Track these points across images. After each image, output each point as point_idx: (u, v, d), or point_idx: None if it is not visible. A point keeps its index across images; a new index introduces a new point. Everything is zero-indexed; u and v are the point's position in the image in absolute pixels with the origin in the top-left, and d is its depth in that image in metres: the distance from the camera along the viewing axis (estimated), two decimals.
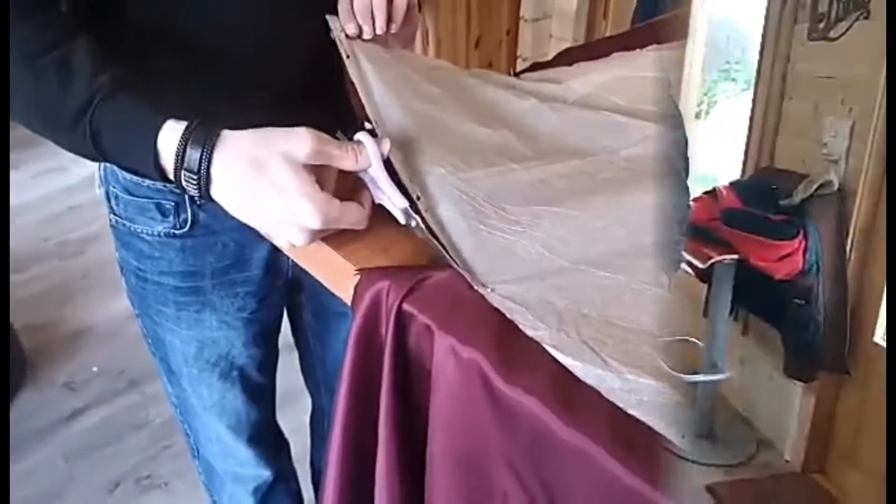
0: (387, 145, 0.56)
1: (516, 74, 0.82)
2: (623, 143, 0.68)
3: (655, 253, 0.55)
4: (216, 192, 0.53)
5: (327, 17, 0.65)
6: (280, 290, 0.85)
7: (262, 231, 0.55)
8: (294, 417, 1.10)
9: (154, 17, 0.63)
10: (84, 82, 0.53)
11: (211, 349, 0.84)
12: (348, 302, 0.56)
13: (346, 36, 0.64)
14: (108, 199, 0.78)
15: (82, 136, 0.53)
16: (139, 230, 0.76)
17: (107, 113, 0.53)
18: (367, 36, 0.65)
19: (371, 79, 0.62)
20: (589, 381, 0.44)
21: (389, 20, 0.65)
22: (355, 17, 0.64)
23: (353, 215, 0.54)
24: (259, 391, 0.91)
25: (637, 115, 0.73)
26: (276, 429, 1.01)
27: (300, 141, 0.51)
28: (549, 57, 0.88)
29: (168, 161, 0.53)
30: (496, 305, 0.49)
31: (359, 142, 0.55)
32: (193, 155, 0.52)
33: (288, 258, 0.79)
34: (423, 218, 0.55)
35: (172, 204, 0.74)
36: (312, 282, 0.81)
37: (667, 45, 0.88)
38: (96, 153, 0.54)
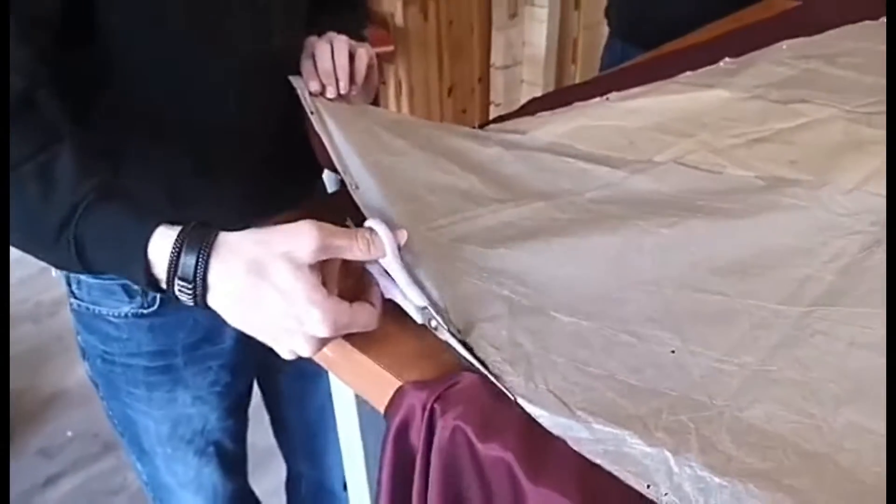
0: (404, 235, 0.51)
1: (480, 126, 0.83)
2: (586, 187, 0.69)
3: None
4: (213, 301, 0.48)
5: (290, 77, 0.66)
6: (252, 357, 0.82)
7: (260, 339, 0.50)
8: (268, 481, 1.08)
9: (128, 94, 0.62)
10: (67, 191, 0.49)
11: (185, 426, 0.81)
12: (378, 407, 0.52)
13: (310, 93, 0.65)
14: (69, 284, 0.74)
15: (66, 249, 0.49)
16: (105, 312, 0.73)
17: (91, 223, 0.48)
18: (330, 95, 0.66)
19: (335, 134, 0.62)
20: (556, 430, 0.44)
21: (351, 80, 0.66)
22: (318, 77, 0.65)
23: (363, 318, 0.49)
24: (234, 462, 0.89)
25: (599, 161, 0.74)
26: (252, 497, 0.98)
27: (303, 238, 0.46)
28: (522, 102, 0.89)
29: (160, 270, 0.48)
30: (445, 340, 0.48)
31: (370, 229, 0.50)
32: (188, 262, 0.47)
33: None
34: (443, 318, 0.50)
35: None
36: None
37: (632, 92, 0.91)
38: (82, 266, 0.50)
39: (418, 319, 0.50)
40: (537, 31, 2.25)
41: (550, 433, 0.44)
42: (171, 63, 0.62)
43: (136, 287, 0.70)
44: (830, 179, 0.70)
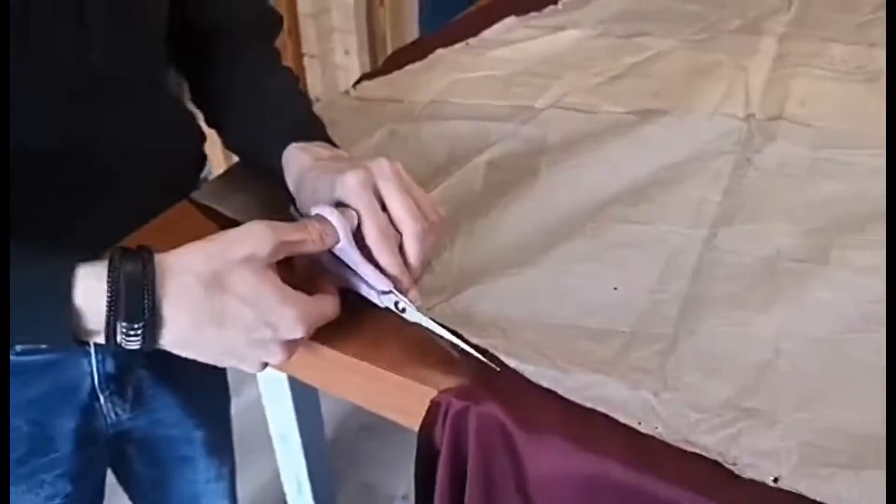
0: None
1: (354, 85, 0.81)
2: (485, 146, 0.70)
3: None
4: (166, 334, 0.42)
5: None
6: (99, 453, 0.70)
7: (222, 363, 0.45)
8: None
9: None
10: None
11: None
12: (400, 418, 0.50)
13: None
14: None
15: None
16: None
17: None
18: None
19: None
20: (543, 382, 0.46)
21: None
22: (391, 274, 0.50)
23: (328, 308, 0.46)
24: None
25: (485, 116, 0.75)
26: None
27: (258, 241, 0.43)
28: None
29: (94, 321, 0.41)
30: (415, 321, 0.48)
31: (319, 216, 0.47)
32: (132, 302, 0.40)
33: (106, 418, 0.66)
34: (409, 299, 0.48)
35: None
36: (140, 432, 0.71)
37: (489, 37, 0.92)
38: None
39: (381, 304, 0.48)
40: None
41: (535, 386, 0.46)
42: None
43: None
44: (691, 107, 0.77)
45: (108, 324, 0.41)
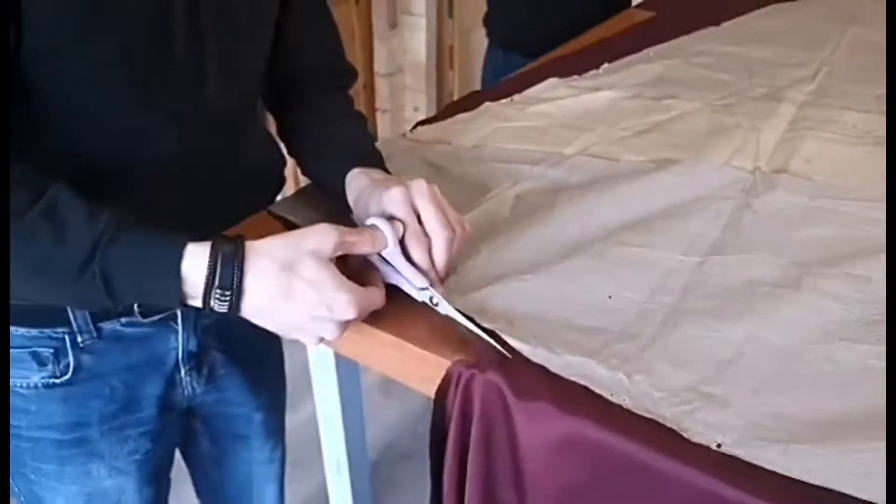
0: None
1: (411, 130, 0.95)
2: (514, 183, 0.82)
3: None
4: (247, 303, 0.53)
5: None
6: (175, 421, 0.81)
7: (288, 334, 0.56)
8: None
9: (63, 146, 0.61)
10: (82, 229, 0.51)
11: (100, 500, 0.78)
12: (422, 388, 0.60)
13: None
14: None
15: (90, 283, 0.51)
16: (11, 383, 0.69)
17: (116, 255, 0.51)
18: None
19: None
20: (537, 360, 0.56)
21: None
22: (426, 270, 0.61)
23: (377, 298, 0.57)
24: None
25: (520, 160, 0.87)
26: None
27: (324, 237, 0.54)
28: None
29: (195, 286, 0.52)
30: (445, 313, 0.59)
31: (373, 226, 0.59)
32: (225, 273, 0.52)
33: (184, 389, 0.79)
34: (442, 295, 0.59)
35: (51, 350, 0.69)
36: (208, 408, 0.84)
37: (531, 94, 1.05)
38: (107, 299, 0.52)
39: (419, 298, 0.60)
40: (416, 39, 2.39)
41: (531, 363, 0.56)
42: (104, 118, 0.61)
43: (46, 352, 0.68)
44: (704, 158, 0.87)
45: (206, 290, 0.52)
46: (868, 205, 0.79)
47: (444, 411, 0.58)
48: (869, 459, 0.48)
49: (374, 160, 0.73)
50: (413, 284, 0.60)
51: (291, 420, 0.99)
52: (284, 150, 0.83)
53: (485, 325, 0.59)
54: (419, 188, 0.62)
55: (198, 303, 0.53)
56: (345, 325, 0.55)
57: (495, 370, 0.56)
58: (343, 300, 0.53)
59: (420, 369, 0.60)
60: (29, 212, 0.51)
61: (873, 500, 0.45)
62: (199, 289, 0.52)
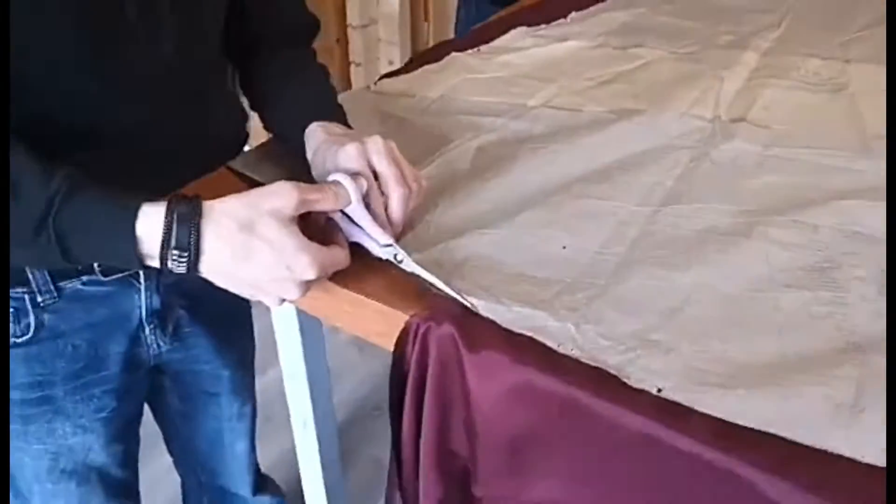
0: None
1: (376, 82, 0.94)
2: (476, 135, 0.82)
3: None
4: (205, 264, 0.53)
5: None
6: (142, 379, 0.82)
7: (249, 294, 0.55)
8: None
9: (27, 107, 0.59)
10: (35, 188, 0.51)
11: (67, 458, 0.78)
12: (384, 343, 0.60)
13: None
14: None
15: (45, 244, 0.51)
16: None
17: (70, 214, 0.51)
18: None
19: None
20: (488, 314, 0.57)
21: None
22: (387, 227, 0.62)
23: (340, 257, 0.57)
24: (122, 487, 0.86)
25: (482, 112, 0.87)
26: None
27: (285, 197, 0.53)
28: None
29: (151, 246, 0.52)
30: (410, 270, 0.60)
31: (336, 182, 0.58)
32: (181, 233, 0.51)
33: (149, 348, 0.79)
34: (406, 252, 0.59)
35: (11, 310, 0.68)
36: (176, 365, 0.84)
37: (498, 45, 1.04)
38: (63, 258, 0.52)
39: (382, 256, 0.60)
40: None
41: (485, 317, 0.57)
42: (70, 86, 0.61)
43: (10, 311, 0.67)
44: (666, 108, 0.87)
45: (162, 250, 0.52)
46: (822, 152, 0.80)
47: (403, 364, 0.60)
48: (802, 403, 0.50)
49: (334, 114, 0.73)
50: (377, 241, 0.60)
51: (263, 378, 1.01)
52: (247, 106, 0.83)
53: (435, 281, 0.59)
54: (375, 145, 0.61)
55: (156, 263, 0.53)
56: (306, 285, 0.55)
57: (450, 322, 0.57)
58: (303, 261, 0.53)
59: (378, 324, 0.61)
60: None
61: (803, 441, 0.47)
62: (155, 249, 0.52)
